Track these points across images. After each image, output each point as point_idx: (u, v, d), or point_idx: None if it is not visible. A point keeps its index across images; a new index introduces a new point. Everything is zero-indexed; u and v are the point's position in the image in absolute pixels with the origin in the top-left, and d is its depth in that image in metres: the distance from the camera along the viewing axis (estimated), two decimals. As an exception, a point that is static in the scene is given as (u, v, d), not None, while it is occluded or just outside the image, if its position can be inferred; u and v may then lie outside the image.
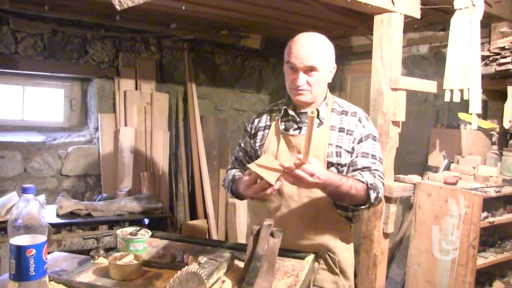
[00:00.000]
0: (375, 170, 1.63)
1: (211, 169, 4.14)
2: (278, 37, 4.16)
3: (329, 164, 1.61)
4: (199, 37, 4.06)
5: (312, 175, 1.39)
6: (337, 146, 1.63)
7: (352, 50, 4.22)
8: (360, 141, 1.66)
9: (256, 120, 1.81)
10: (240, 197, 1.74)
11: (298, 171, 1.38)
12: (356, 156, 1.64)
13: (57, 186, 3.52)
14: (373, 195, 1.56)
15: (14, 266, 1.05)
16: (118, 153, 3.65)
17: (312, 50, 1.57)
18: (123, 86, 3.74)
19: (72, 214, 2.70)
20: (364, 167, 1.62)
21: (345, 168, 1.65)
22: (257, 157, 1.74)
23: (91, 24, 3.56)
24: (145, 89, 3.84)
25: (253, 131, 1.79)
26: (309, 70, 1.58)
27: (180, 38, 4.01)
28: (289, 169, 1.39)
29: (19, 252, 1.04)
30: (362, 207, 1.61)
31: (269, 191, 1.46)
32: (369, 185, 1.55)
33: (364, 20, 2.65)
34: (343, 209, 1.68)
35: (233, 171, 1.84)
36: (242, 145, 1.86)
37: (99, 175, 3.67)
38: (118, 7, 1.47)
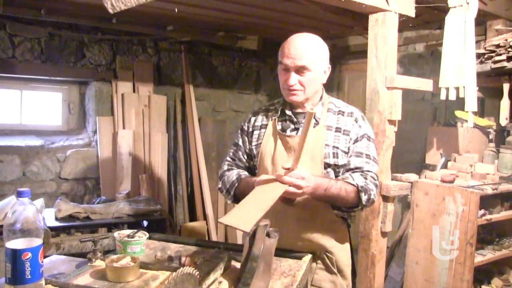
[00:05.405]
0: (368, 171, 1.62)
1: (210, 171, 4.14)
2: (275, 38, 4.14)
3: (326, 165, 1.61)
4: (196, 39, 4.06)
5: (302, 178, 1.42)
6: (334, 146, 1.62)
7: (349, 50, 4.23)
8: (356, 141, 1.65)
9: (253, 119, 1.79)
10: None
11: (287, 178, 1.42)
12: (350, 156, 1.64)
13: (56, 190, 3.52)
14: (364, 197, 1.57)
15: (10, 270, 1.05)
16: (116, 155, 3.65)
17: (304, 50, 1.57)
18: (120, 88, 3.74)
19: (70, 217, 2.72)
20: (357, 167, 1.62)
21: (342, 169, 1.66)
22: (253, 156, 1.75)
23: (88, 27, 3.57)
24: (143, 92, 3.84)
25: (250, 129, 1.78)
26: (301, 69, 1.58)
27: (177, 40, 4.01)
28: (278, 177, 1.44)
29: (15, 255, 1.04)
30: (355, 209, 1.63)
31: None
32: (359, 188, 1.56)
33: (360, 20, 2.66)
34: (338, 210, 1.68)
35: (235, 171, 1.76)
36: (240, 143, 1.81)
37: (98, 178, 3.67)
38: (111, 11, 1.47)
